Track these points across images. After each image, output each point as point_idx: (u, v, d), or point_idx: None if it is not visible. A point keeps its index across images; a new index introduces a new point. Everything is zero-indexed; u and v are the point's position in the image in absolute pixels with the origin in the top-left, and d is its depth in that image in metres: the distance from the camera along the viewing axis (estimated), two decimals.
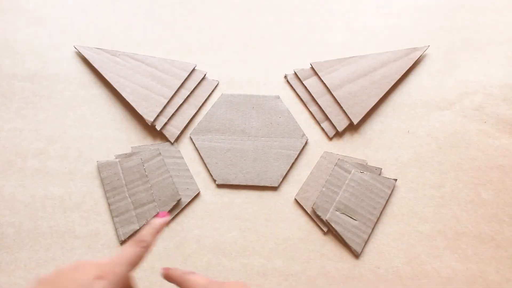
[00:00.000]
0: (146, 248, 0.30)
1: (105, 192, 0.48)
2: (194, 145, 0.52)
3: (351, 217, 0.46)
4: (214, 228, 0.47)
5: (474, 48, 0.56)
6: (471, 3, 0.59)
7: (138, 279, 0.45)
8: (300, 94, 0.54)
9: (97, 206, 0.48)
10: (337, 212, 0.46)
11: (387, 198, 0.47)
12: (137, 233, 0.30)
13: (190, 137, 0.52)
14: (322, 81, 0.54)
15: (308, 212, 0.48)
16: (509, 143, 0.50)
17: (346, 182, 0.48)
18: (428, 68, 0.55)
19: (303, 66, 0.55)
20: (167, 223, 0.32)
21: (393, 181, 0.48)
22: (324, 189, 0.48)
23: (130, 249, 0.29)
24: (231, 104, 0.53)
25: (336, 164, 0.49)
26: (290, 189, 0.49)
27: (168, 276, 0.32)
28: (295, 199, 0.49)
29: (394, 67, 0.54)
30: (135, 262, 0.29)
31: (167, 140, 0.52)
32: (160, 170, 0.49)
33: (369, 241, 0.46)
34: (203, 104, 0.54)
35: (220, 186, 0.50)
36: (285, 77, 0.55)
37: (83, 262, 0.28)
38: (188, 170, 0.50)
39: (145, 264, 0.45)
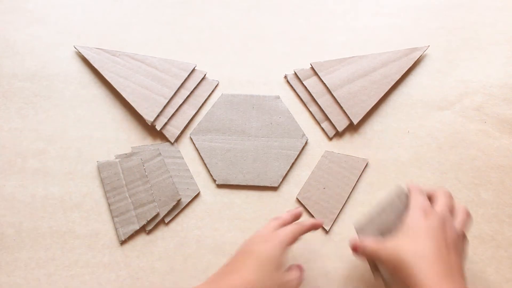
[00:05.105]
0: (303, 231, 0.39)
1: (105, 192, 0.48)
2: (194, 145, 0.52)
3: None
4: (214, 228, 0.47)
5: (474, 48, 0.56)
6: (471, 3, 0.59)
7: (138, 279, 0.45)
8: (300, 94, 0.54)
9: (97, 206, 0.48)
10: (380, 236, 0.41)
11: None
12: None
13: (190, 137, 0.52)
14: (322, 81, 0.54)
15: (310, 211, 0.48)
16: (509, 143, 0.50)
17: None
18: (428, 68, 0.55)
19: (303, 66, 0.55)
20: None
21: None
22: (373, 213, 0.43)
23: (293, 225, 0.38)
24: (231, 104, 0.53)
25: (395, 193, 0.44)
26: (290, 189, 0.49)
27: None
28: (297, 199, 0.49)
29: (394, 67, 0.54)
30: (296, 237, 0.38)
31: (167, 140, 0.52)
32: (160, 170, 0.49)
33: None
34: (203, 104, 0.54)
35: (220, 186, 0.50)
36: (285, 77, 0.55)
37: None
38: (188, 170, 0.50)
39: (145, 264, 0.45)
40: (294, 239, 0.37)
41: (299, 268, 0.38)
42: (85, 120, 0.53)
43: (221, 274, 0.35)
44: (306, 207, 0.48)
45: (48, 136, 0.52)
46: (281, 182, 0.49)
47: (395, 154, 0.50)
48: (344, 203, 0.48)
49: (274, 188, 0.49)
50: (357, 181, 0.49)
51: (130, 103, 0.52)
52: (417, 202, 0.37)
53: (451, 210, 0.38)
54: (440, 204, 0.37)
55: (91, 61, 0.55)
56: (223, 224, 0.48)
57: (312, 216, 0.47)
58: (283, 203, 0.49)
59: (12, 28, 0.58)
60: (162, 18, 0.60)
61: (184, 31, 0.59)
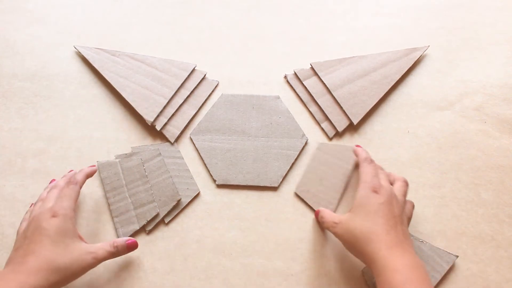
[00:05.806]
0: (79, 185, 0.42)
1: (105, 192, 0.48)
2: (194, 145, 0.52)
3: None
4: (214, 228, 0.47)
5: (474, 48, 0.56)
6: (471, 3, 0.59)
7: (138, 279, 0.45)
8: (300, 94, 0.54)
9: (97, 206, 0.48)
10: None
11: (443, 273, 0.43)
12: (72, 176, 0.43)
13: (190, 137, 0.52)
14: (322, 81, 0.54)
15: (309, 204, 0.47)
16: (509, 143, 0.50)
17: None
18: (428, 68, 0.55)
19: (303, 66, 0.55)
20: (95, 171, 0.46)
21: (454, 257, 0.44)
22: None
23: (68, 188, 0.41)
24: (231, 104, 0.53)
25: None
26: (290, 189, 0.49)
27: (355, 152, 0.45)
28: (295, 193, 0.48)
29: (394, 67, 0.54)
30: (75, 197, 0.41)
31: (167, 140, 0.52)
32: (160, 170, 0.49)
33: None
34: (203, 104, 0.54)
35: (220, 186, 0.50)
36: (285, 77, 0.55)
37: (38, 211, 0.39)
38: (188, 170, 0.50)
39: (145, 264, 0.45)
40: (75, 200, 0.41)
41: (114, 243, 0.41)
42: (85, 120, 0.53)
43: (18, 258, 0.36)
44: (305, 200, 0.48)
45: (48, 136, 0.52)
46: (281, 182, 0.49)
47: (395, 154, 0.50)
48: (342, 194, 0.48)
49: (274, 188, 0.49)
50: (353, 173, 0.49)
51: (130, 103, 0.52)
52: (367, 178, 0.40)
53: (391, 181, 0.42)
54: (384, 178, 0.41)
55: (91, 61, 0.55)
56: (223, 224, 0.48)
57: (312, 209, 0.47)
58: (283, 203, 0.49)
59: (12, 28, 0.58)
60: (162, 18, 0.60)
61: (184, 31, 0.59)
